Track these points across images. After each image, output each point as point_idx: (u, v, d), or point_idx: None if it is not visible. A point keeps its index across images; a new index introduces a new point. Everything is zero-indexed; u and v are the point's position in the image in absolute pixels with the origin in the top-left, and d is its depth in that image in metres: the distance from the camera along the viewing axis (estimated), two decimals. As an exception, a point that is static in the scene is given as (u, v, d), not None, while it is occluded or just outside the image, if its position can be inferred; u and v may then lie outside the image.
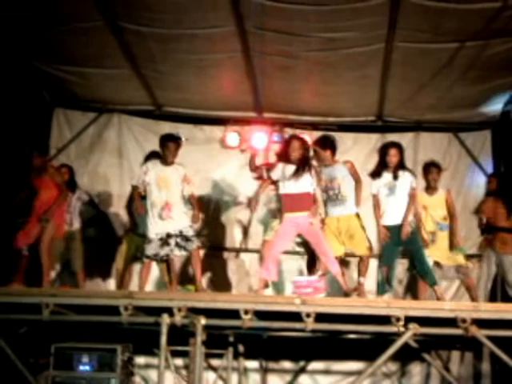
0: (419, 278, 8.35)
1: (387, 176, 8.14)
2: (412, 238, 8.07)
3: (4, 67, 9.00)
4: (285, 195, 7.98)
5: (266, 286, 8.41)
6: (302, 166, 7.92)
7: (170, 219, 8.13)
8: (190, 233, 8.16)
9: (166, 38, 8.56)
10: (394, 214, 8.08)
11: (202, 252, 9.09)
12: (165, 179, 8.21)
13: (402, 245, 8.13)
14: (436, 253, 8.52)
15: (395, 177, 8.11)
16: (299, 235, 8.45)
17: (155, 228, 8.14)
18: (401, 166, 8.16)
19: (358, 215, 8.30)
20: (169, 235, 8.11)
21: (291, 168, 7.93)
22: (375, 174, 8.24)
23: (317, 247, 8.06)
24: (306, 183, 7.91)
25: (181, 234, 8.11)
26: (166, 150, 8.27)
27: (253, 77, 9.57)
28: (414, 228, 8.10)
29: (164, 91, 10.36)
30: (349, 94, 10.00)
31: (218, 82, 9.83)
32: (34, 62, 9.37)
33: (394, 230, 8.04)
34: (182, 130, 10.87)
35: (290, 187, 7.92)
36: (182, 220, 8.19)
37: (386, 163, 8.15)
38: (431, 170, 8.74)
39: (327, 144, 8.44)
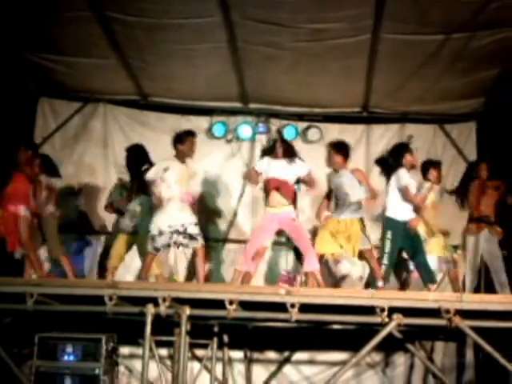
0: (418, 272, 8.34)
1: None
2: (416, 233, 8.15)
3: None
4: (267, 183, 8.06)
5: (246, 277, 8.38)
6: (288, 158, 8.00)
7: (184, 213, 8.23)
8: (195, 231, 8.23)
9: (152, 27, 8.54)
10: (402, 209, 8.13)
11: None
12: (183, 176, 8.35)
13: (407, 239, 8.18)
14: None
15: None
16: (281, 230, 8.52)
17: (169, 221, 8.17)
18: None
19: (361, 219, 8.36)
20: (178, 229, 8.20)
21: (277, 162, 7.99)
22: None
23: (298, 243, 8.13)
24: (290, 176, 7.96)
25: (184, 232, 8.18)
26: (191, 146, 8.43)
27: (239, 67, 9.56)
28: None
29: (150, 81, 10.34)
30: (335, 85, 9.99)
31: (205, 73, 9.81)
32: (20, 51, 9.31)
33: (403, 226, 8.09)
34: (168, 120, 10.91)
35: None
36: (188, 215, 8.29)
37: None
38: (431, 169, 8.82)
39: (341, 149, 8.48)
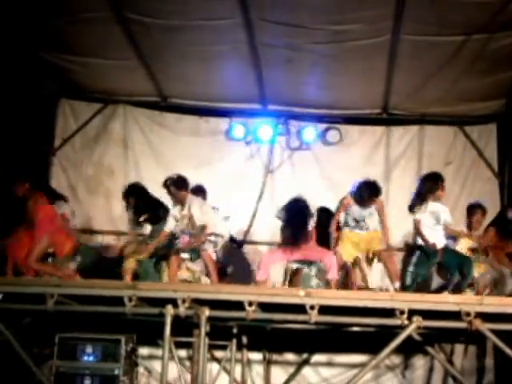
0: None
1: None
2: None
3: (10, 58, 9.00)
4: None
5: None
6: None
7: None
8: None
9: (171, 29, 8.55)
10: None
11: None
12: None
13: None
14: None
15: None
16: None
17: None
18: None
19: (378, 232, 8.61)
20: None
21: None
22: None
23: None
24: None
25: None
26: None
27: (258, 69, 9.55)
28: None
29: (169, 82, 10.36)
30: (354, 87, 9.98)
31: (224, 74, 9.82)
32: (40, 52, 9.36)
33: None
34: (187, 121, 10.93)
35: None
36: None
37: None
38: (476, 211, 8.87)
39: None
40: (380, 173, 10.45)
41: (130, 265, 8.89)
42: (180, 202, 8.48)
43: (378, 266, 9.56)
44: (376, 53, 8.88)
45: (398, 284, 8.01)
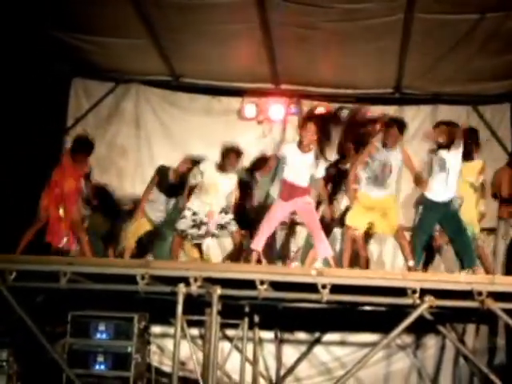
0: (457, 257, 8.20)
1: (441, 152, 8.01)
2: (457, 217, 8.03)
3: (22, 37, 9.00)
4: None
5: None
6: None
7: None
8: None
9: (184, 7, 8.51)
10: (442, 190, 7.99)
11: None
12: None
13: (444, 221, 8.09)
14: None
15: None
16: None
17: None
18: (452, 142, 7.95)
19: (395, 197, 8.36)
20: None
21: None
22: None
23: (310, 226, 8.10)
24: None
25: None
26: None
27: (271, 48, 9.51)
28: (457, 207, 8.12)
29: (182, 62, 10.34)
30: (367, 66, 9.92)
31: (236, 53, 9.79)
32: (53, 31, 9.33)
33: (441, 207, 7.98)
34: (200, 101, 10.92)
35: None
36: None
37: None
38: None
39: (399, 123, 8.40)
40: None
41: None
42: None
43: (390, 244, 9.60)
44: (389, 31, 8.82)
45: (412, 262, 7.92)
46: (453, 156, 7.91)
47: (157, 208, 9.08)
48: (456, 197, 8.08)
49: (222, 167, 8.61)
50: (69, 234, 8.50)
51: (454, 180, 7.98)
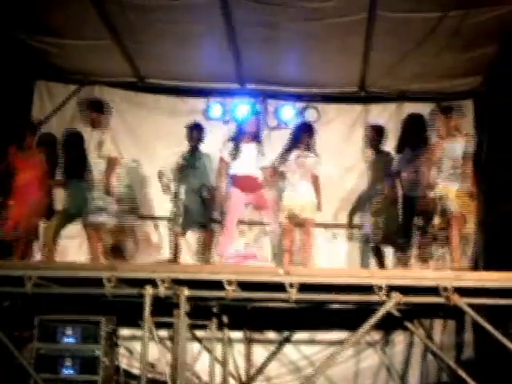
0: None
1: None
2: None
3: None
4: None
5: None
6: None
7: None
8: None
9: (146, 7, 8.48)
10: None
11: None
12: None
13: None
14: None
15: None
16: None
17: None
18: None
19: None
20: None
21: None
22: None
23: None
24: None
25: None
26: None
27: (235, 47, 9.50)
28: None
29: (146, 63, 10.28)
30: (332, 65, 9.93)
31: (201, 53, 9.76)
32: (15, 33, 9.26)
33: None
34: (165, 101, 10.88)
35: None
36: None
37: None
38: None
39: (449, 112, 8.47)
40: (358, 151, 10.47)
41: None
42: None
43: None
44: (353, 30, 8.85)
45: None
46: None
47: None
48: None
49: None
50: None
51: None
